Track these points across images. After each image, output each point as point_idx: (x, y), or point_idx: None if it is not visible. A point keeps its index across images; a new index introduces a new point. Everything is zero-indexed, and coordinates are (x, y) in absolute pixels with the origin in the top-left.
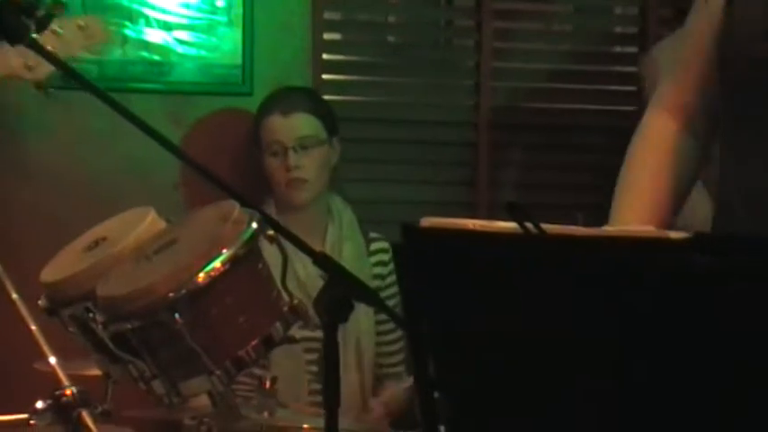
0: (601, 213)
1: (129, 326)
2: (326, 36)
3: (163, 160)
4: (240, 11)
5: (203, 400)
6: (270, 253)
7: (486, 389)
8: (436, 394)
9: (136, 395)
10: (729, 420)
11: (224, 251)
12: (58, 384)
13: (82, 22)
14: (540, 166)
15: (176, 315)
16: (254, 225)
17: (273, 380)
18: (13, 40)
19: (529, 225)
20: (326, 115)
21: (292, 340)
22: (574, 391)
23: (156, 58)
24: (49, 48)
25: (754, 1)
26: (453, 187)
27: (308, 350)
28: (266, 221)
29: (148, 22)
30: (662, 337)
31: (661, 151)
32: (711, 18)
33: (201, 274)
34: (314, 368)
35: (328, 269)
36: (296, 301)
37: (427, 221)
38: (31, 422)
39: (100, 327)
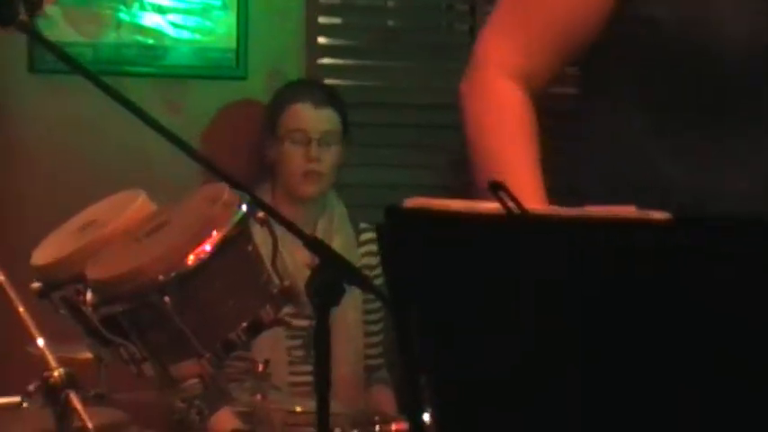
0: None
1: (119, 308)
2: (321, 20)
3: (156, 145)
4: None
5: (194, 383)
6: (261, 238)
7: (473, 373)
8: (422, 380)
9: (129, 378)
10: (712, 402)
11: (214, 233)
12: (46, 366)
13: None
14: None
15: (166, 297)
16: (244, 207)
17: (266, 363)
18: (1, 22)
19: (512, 205)
20: (346, 115)
21: (283, 323)
22: (563, 377)
23: (150, 41)
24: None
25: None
26: (451, 171)
27: (290, 336)
28: (256, 204)
29: (142, 6)
30: (646, 317)
31: (525, 126)
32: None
33: (191, 257)
34: (299, 353)
35: (319, 253)
36: (286, 284)
37: (411, 202)
38: (24, 405)
39: (90, 309)
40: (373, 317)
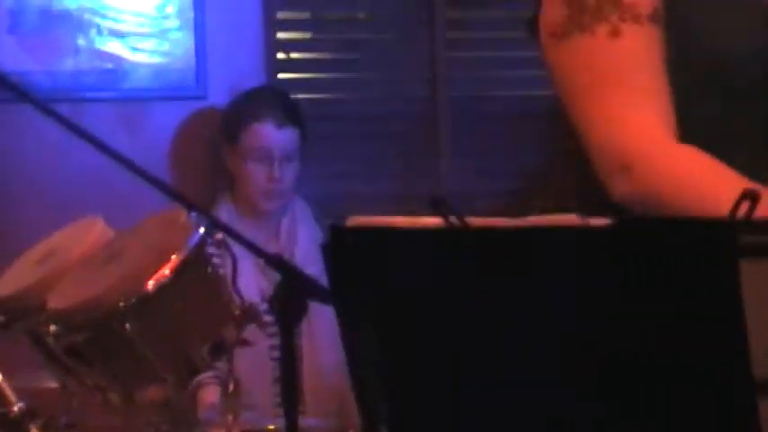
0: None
1: (80, 337)
2: (280, 35)
3: (114, 169)
4: (191, 15)
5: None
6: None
7: (425, 385)
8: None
9: (98, 405)
10: (665, 408)
11: (172, 257)
12: (6, 402)
13: None
14: (499, 156)
15: (127, 324)
16: (202, 230)
17: (236, 383)
18: None
19: (453, 219)
20: (302, 124)
21: (246, 343)
22: (507, 386)
23: (109, 66)
24: None
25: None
26: (415, 180)
27: (272, 347)
28: (214, 225)
29: (100, 31)
30: (588, 323)
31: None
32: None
33: (151, 282)
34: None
35: (281, 270)
36: (248, 304)
37: (353, 220)
38: None
39: (52, 339)
40: None
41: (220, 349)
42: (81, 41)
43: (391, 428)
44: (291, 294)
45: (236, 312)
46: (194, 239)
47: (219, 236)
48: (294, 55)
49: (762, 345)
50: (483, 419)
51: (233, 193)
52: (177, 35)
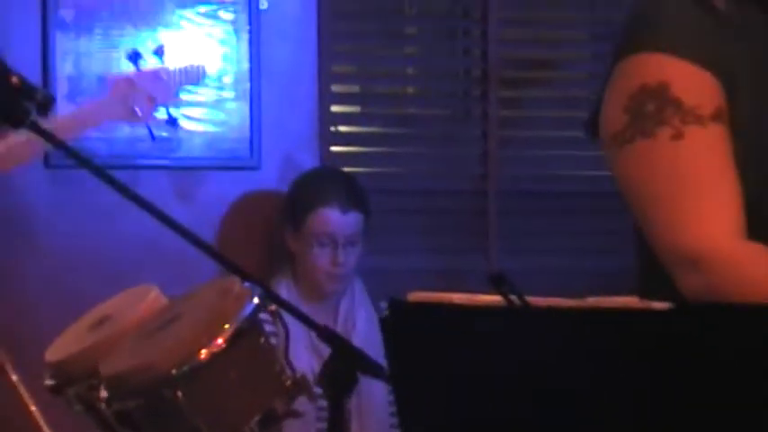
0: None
1: (132, 403)
2: (333, 108)
3: (169, 237)
4: (247, 86)
5: None
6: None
7: None
8: None
9: None
10: None
11: (226, 326)
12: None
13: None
14: (551, 233)
15: (179, 392)
16: (256, 300)
17: None
18: (15, 124)
19: (513, 297)
20: (367, 207)
21: (296, 415)
22: None
23: (164, 134)
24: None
25: None
26: (464, 256)
27: (319, 418)
28: (268, 296)
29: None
30: (648, 406)
31: None
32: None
33: (203, 351)
34: None
35: (332, 343)
36: (299, 375)
37: (414, 296)
38: None
39: (104, 405)
40: None
41: (270, 420)
42: (137, 109)
43: None
44: (342, 367)
45: (288, 383)
46: (248, 309)
47: (273, 307)
48: (343, 128)
49: None
50: None
51: (294, 273)
52: (233, 105)
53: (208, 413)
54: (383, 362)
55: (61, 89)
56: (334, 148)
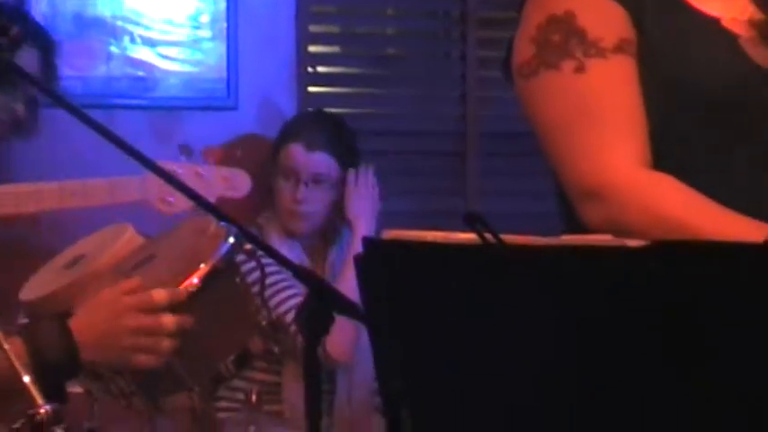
0: None
1: None
2: (311, 49)
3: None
4: (224, 25)
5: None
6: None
7: (453, 401)
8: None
9: (121, 411)
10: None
11: (201, 266)
12: (33, 403)
13: (227, 174)
14: (530, 174)
15: None
16: (231, 239)
17: (259, 394)
18: None
19: (488, 235)
20: (345, 153)
21: (272, 354)
22: (539, 398)
23: (141, 74)
24: (189, 185)
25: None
26: (444, 197)
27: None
28: (244, 236)
29: (133, 39)
30: (620, 343)
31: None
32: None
33: (179, 290)
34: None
35: (309, 282)
36: (274, 315)
37: (389, 234)
38: None
39: None
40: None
41: (246, 360)
42: (114, 48)
43: None
44: (318, 307)
45: (263, 323)
46: (224, 249)
47: (249, 246)
48: (321, 69)
49: None
50: None
51: (273, 213)
52: (209, 45)
53: (183, 352)
54: None
55: None
56: (311, 89)
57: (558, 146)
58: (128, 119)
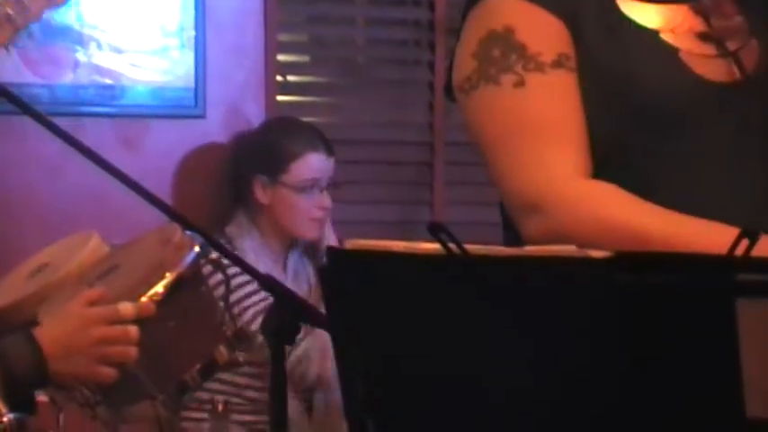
0: None
1: None
2: (280, 57)
3: (112, 185)
4: (192, 33)
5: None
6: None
7: (417, 410)
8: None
9: (87, 421)
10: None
11: (166, 275)
12: None
13: None
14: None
15: None
16: (197, 249)
17: (226, 403)
18: None
19: (452, 245)
20: None
21: (237, 364)
22: (505, 407)
23: (108, 81)
24: (8, 11)
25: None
26: (411, 207)
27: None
28: (209, 244)
29: (100, 46)
30: (582, 354)
31: (632, 197)
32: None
33: (144, 299)
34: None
35: (274, 292)
36: (240, 325)
37: (352, 244)
38: None
39: None
40: None
41: (211, 369)
42: (81, 56)
43: None
44: (284, 316)
45: (228, 333)
46: (189, 258)
47: (214, 255)
48: (291, 78)
49: (756, 384)
50: None
51: (260, 225)
52: (177, 53)
53: (148, 362)
54: None
55: None
56: (280, 98)
57: (498, 159)
58: (95, 127)
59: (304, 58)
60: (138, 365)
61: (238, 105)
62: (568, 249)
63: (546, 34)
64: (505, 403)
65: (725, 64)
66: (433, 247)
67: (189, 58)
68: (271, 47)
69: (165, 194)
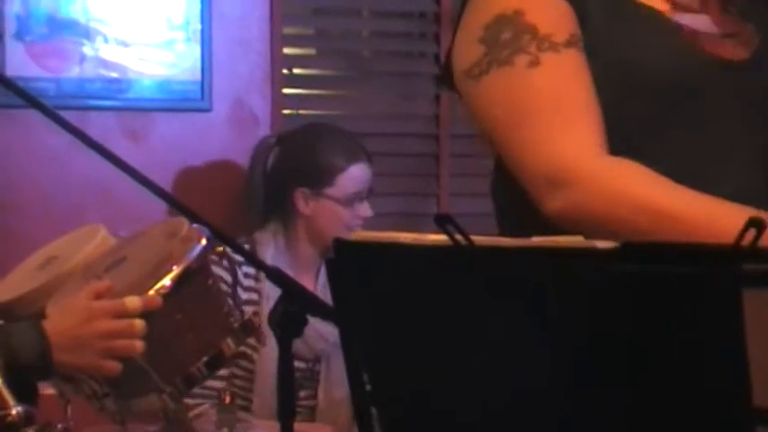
0: None
1: None
2: (286, 50)
3: (119, 178)
4: (198, 27)
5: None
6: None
7: (424, 402)
8: (372, 409)
9: (95, 413)
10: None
11: (173, 268)
12: (4, 405)
13: None
14: None
15: None
16: (204, 242)
17: (232, 395)
18: None
19: (459, 236)
20: None
21: (244, 356)
22: (511, 399)
23: (114, 75)
24: None
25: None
26: (417, 199)
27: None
28: (217, 238)
29: (106, 40)
30: (590, 344)
31: (655, 174)
32: (578, 58)
33: (151, 292)
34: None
35: (281, 284)
36: (247, 317)
37: (358, 235)
38: None
39: None
40: None
41: (218, 362)
42: (87, 50)
43: None
44: (291, 308)
45: (235, 325)
46: (196, 251)
47: (221, 248)
48: (297, 71)
49: (762, 374)
50: None
51: (300, 232)
52: (183, 47)
53: (155, 355)
54: None
55: (9, 28)
56: (286, 90)
57: (515, 139)
58: (101, 120)
59: (310, 51)
60: (145, 358)
61: (244, 98)
62: (575, 240)
63: (555, 16)
64: (511, 393)
65: (730, 43)
66: (439, 238)
67: (195, 52)
68: (276, 40)
69: (171, 187)
